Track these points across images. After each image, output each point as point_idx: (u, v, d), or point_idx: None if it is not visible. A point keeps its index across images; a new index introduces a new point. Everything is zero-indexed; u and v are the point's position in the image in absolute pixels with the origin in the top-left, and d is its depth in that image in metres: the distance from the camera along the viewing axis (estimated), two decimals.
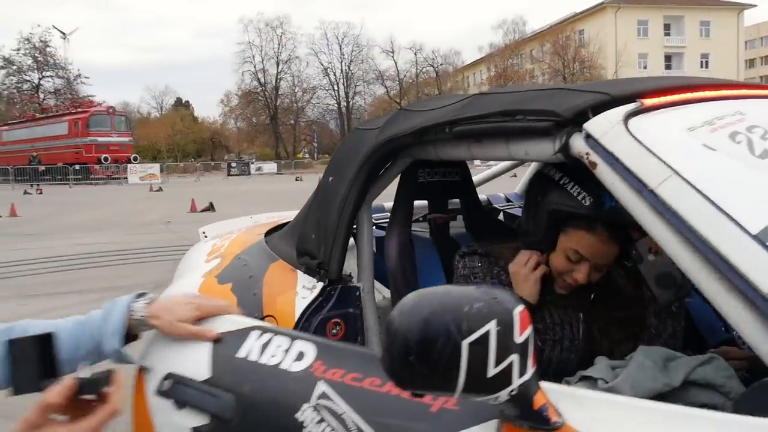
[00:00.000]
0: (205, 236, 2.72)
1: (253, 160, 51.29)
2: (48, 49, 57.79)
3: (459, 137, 1.44)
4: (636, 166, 1.08)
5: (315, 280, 1.71)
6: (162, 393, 1.45)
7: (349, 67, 63.86)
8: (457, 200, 2.01)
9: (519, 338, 0.85)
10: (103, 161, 37.80)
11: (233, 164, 46.07)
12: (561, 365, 1.55)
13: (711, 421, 0.89)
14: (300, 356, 1.32)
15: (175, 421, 1.42)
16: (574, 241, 1.46)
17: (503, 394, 0.87)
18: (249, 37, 61.48)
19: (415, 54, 62.12)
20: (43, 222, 14.54)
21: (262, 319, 1.77)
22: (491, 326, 0.83)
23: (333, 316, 1.67)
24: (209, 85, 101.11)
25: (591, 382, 1.28)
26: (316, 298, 1.66)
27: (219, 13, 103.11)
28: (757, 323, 0.89)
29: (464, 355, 0.82)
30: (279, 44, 61.40)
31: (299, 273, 1.79)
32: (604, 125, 1.16)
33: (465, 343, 0.82)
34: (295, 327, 1.65)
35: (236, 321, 1.47)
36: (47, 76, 58.95)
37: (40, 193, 27.44)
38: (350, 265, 1.84)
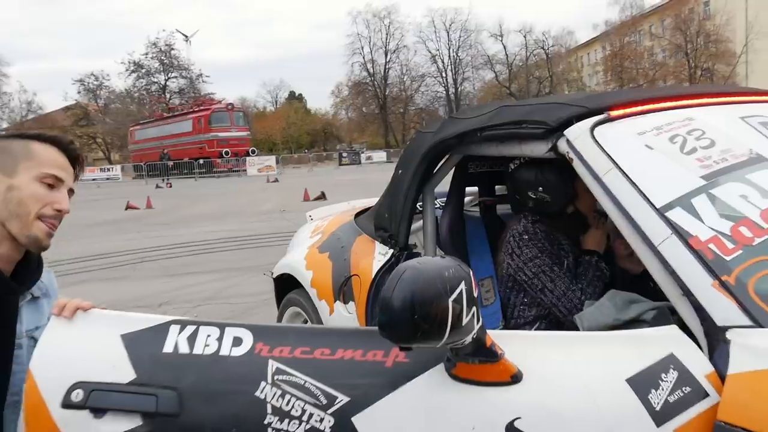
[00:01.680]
0: (311, 218, 3.35)
1: (364, 150, 52.58)
2: (173, 52, 61.74)
3: (487, 140, 1.95)
4: (592, 161, 1.55)
5: (387, 248, 2.27)
6: (71, 405, 1.32)
7: (457, 54, 63.58)
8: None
9: (475, 293, 1.08)
10: (224, 155, 40.15)
11: (344, 154, 47.43)
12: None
13: (573, 338, 1.33)
14: (237, 342, 1.34)
15: (95, 430, 1.31)
16: None
17: (468, 338, 1.11)
18: (358, 28, 62.50)
19: (525, 37, 60.59)
20: (174, 212, 16.06)
21: (349, 278, 2.36)
22: (462, 286, 1.06)
23: None
24: (321, 77, 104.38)
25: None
26: (387, 261, 2.23)
27: (331, 6, 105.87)
28: (657, 262, 1.34)
29: (450, 311, 1.04)
30: (387, 34, 62.13)
31: (377, 243, 2.36)
32: (576, 132, 1.63)
33: (450, 301, 1.03)
34: (372, 282, 2.22)
35: (150, 318, 1.42)
36: (172, 77, 63.00)
37: (170, 186, 29.76)
38: (420, 237, 2.39)
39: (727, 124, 1.66)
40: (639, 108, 1.69)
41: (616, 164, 1.50)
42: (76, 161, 1.56)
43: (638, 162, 1.52)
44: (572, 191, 2.04)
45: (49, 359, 1.37)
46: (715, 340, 1.19)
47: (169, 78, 62.99)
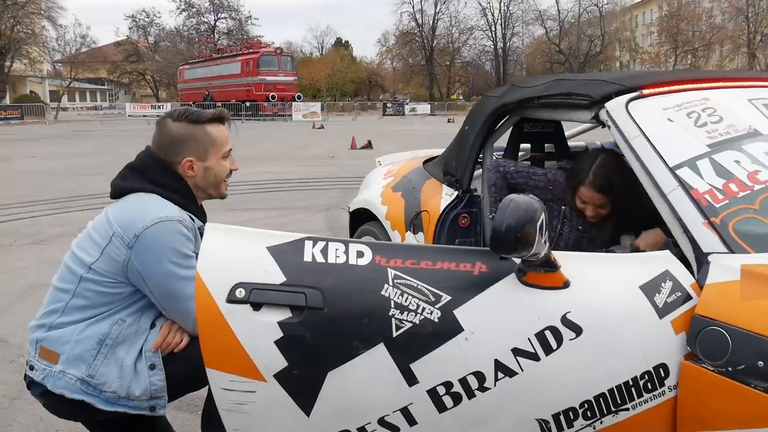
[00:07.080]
0: (380, 164, 3.87)
1: (408, 101, 52.53)
2: None
3: (542, 106, 2.41)
4: (624, 129, 2.00)
5: (453, 190, 2.78)
6: (235, 301, 1.60)
7: (507, 7, 62.53)
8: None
9: (546, 223, 1.50)
10: (270, 99, 40.65)
11: (388, 104, 47.48)
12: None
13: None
14: (360, 254, 1.64)
15: (255, 320, 1.59)
16: None
17: (542, 253, 1.51)
18: None
19: None
20: None
21: (420, 213, 2.88)
22: (542, 216, 1.47)
23: (462, 212, 2.74)
24: (368, 24, 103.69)
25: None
26: (452, 201, 2.74)
27: None
28: (666, 206, 1.81)
29: (537, 234, 1.43)
30: None
31: (444, 186, 2.86)
32: (614, 105, 2.08)
33: (537, 226, 1.43)
34: (439, 218, 2.73)
35: (287, 235, 1.67)
36: (222, 18, 63.57)
37: None
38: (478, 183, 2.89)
39: (736, 104, 2.09)
40: (666, 88, 2.13)
41: (643, 132, 1.95)
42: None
43: (660, 131, 1.97)
44: None
45: (211, 265, 1.65)
46: (700, 262, 1.67)
47: (218, 18, 63.56)
